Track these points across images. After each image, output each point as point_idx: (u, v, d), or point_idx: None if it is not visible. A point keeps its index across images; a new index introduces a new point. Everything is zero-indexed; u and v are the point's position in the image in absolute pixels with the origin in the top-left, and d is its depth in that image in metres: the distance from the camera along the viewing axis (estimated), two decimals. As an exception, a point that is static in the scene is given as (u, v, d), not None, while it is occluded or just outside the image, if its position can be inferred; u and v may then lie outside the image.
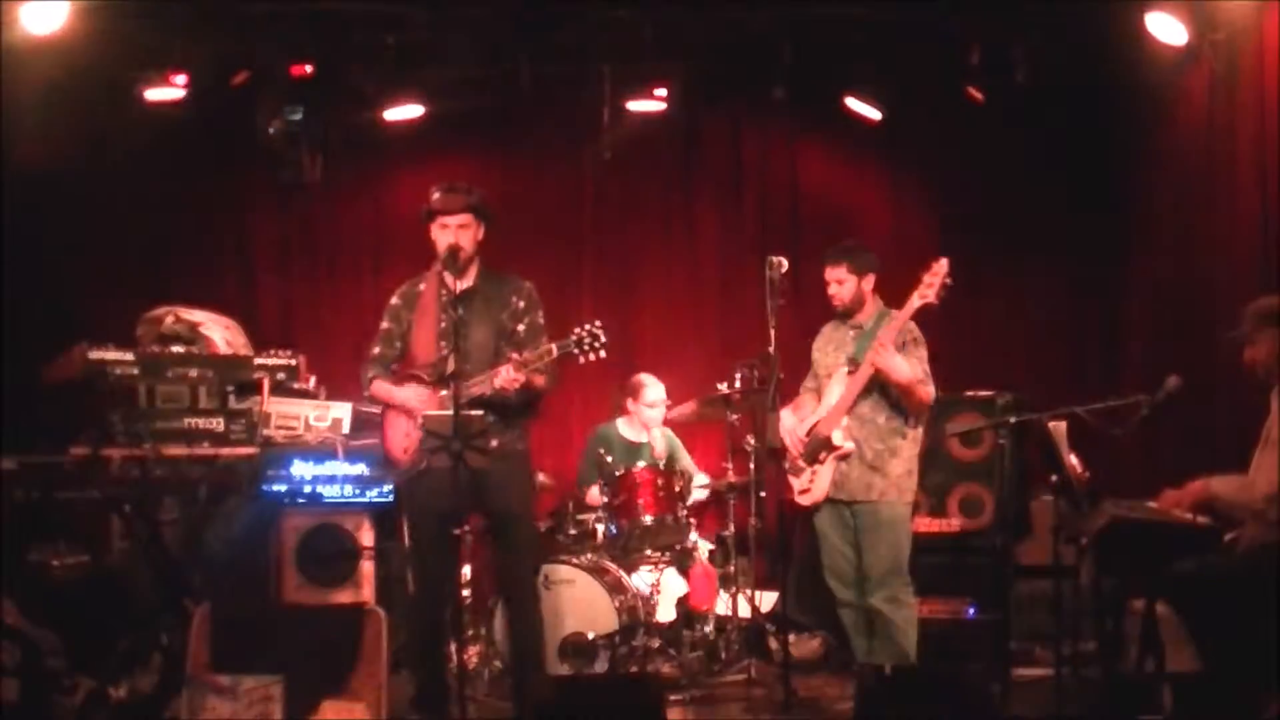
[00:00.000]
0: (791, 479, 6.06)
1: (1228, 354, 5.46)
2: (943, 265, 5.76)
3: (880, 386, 5.86)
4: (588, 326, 5.28)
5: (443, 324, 5.51)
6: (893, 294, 6.00)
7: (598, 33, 7.45)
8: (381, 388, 5.63)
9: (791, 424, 6.03)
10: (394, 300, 5.71)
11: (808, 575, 7.31)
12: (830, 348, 6.11)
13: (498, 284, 5.62)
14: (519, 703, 5.59)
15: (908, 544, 5.93)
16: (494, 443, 5.33)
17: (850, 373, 5.90)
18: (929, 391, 5.87)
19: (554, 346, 5.31)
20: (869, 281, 6.03)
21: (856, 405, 5.87)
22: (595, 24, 7.39)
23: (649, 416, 7.32)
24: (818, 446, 5.94)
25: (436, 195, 5.54)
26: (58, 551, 5.97)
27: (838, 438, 5.87)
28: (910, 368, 5.79)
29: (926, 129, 8.03)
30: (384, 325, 5.69)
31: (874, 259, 6.06)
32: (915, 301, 5.77)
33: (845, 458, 5.87)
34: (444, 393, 5.38)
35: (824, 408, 5.98)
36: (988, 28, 7.30)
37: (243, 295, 7.99)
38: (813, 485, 5.96)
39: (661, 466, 6.83)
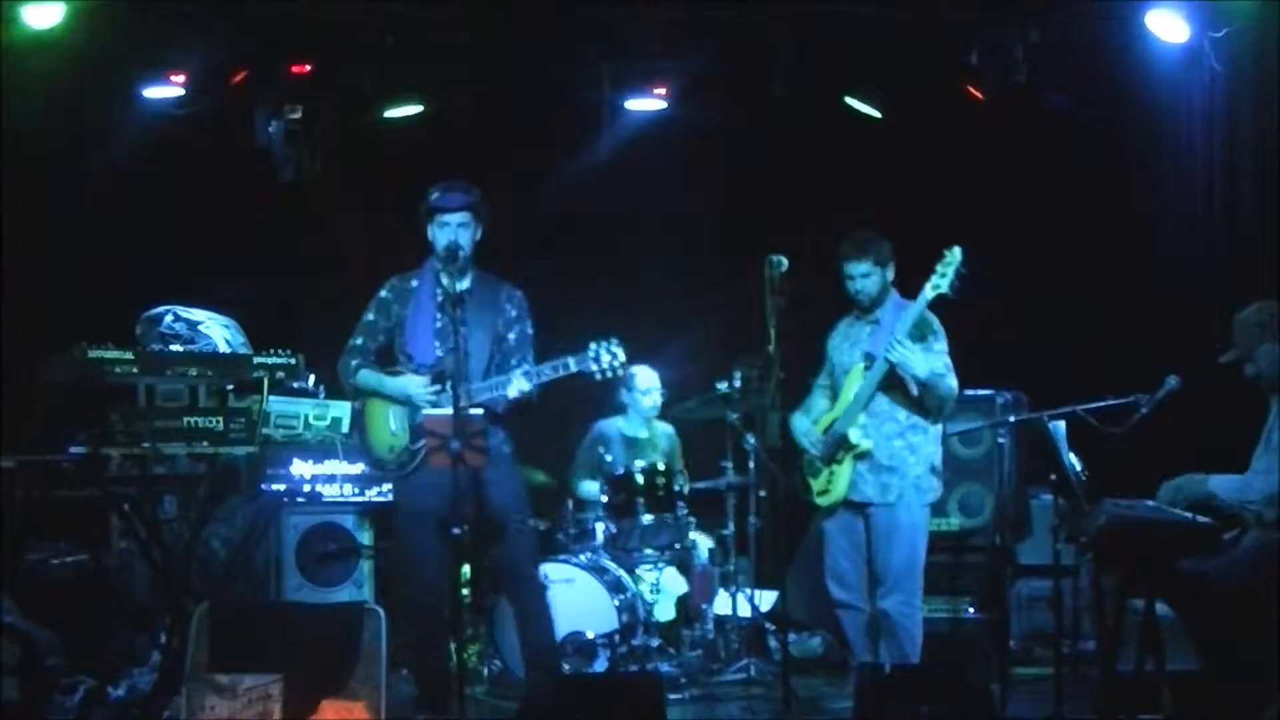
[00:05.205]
0: (809, 479, 5.88)
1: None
2: (956, 254, 5.54)
3: (898, 382, 5.66)
4: (604, 344, 5.19)
5: (439, 324, 5.49)
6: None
7: (598, 33, 7.45)
8: (371, 376, 5.55)
9: (806, 426, 5.89)
10: (383, 293, 5.64)
11: (808, 574, 7.32)
12: (846, 344, 5.92)
13: (492, 288, 5.59)
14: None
15: (924, 547, 5.79)
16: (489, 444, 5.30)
17: (867, 368, 5.71)
18: (951, 385, 5.66)
19: (571, 361, 5.24)
20: (890, 273, 5.83)
21: (873, 401, 5.68)
22: (595, 24, 7.38)
23: (643, 405, 7.31)
24: (835, 445, 5.75)
25: (436, 193, 5.49)
26: (57, 551, 5.97)
27: (855, 436, 5.67)
28: (929, 361, 5.61)
29: (926, 129, 8.03)
30: (368, 316, 5.63)
31: (891, 249, 5.85)
32: (928, 292, 5.55)
33: (863, 456, 5.69)
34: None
35: (840, 405, 5.80)
36: (988, 28, 7.29)
37: (243, 295, 7.98)
38: (831, 486, 5.78)
39: (662, 465, 6.84)
